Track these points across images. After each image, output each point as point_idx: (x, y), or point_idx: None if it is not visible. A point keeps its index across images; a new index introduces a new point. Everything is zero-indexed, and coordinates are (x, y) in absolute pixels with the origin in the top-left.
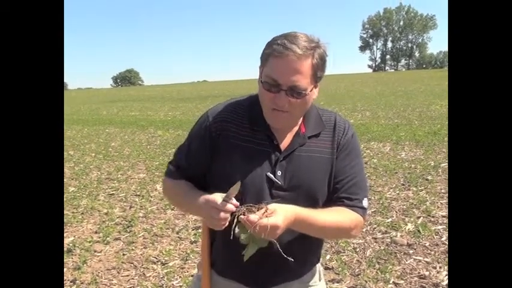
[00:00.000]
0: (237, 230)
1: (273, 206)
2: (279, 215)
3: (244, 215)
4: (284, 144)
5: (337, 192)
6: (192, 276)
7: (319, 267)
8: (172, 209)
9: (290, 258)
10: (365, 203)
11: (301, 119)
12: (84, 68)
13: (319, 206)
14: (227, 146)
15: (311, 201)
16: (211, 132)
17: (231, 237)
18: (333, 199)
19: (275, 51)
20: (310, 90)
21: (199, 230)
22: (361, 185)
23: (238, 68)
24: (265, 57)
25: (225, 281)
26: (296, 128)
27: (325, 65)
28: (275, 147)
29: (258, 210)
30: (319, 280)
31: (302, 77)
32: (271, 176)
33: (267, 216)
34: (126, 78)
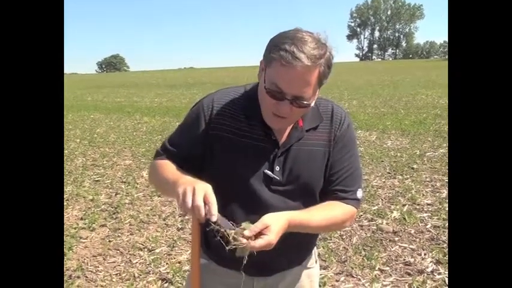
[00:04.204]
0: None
1: (267, 220)
2: (273, 232)
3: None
4: (282, 138)
5: (332, 184)
6: (179, 263)
7: (315, 250)
8: (158, 196)
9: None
10: (359, 194)
11: None
12: (69, 53)
13: (315, 198)
14: (223, 141)
15: (308, 194)
16: (206, 125)
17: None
18: (327, 191)
19: (282, 60)
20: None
21: (186, 217)
22: (356, 175)
23: (226, 55)
24: (270, 60)
25: (225, 270)
26: None
27: (331, 70)
28: (273, 142)
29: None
30: (316, 263)
31: (308, 88)
32: (269, 173)
33: (263, 234)
34: (112, 64)
